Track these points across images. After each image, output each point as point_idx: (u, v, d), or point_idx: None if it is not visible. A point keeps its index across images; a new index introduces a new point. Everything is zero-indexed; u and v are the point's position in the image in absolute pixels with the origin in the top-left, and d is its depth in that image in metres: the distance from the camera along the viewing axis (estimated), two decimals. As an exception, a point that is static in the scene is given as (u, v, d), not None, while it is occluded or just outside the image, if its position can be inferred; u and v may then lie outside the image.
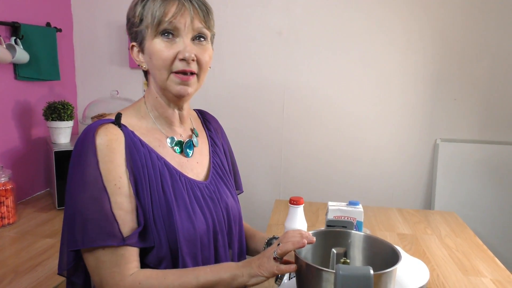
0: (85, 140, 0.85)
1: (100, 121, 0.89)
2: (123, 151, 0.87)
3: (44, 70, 1.95)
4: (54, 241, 1.50)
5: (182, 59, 0.88)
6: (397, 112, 2.12)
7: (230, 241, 1.02)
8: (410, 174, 2.16)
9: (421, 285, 0.99)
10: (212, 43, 0.97)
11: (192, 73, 0.90)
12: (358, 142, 2.17)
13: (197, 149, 1.03)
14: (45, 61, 1.95)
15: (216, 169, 1.05)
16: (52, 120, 1.84)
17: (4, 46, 1.72)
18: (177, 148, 0.98)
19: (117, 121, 0.90)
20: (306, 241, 0.80)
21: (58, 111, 1.84)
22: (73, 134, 1.99)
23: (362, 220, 1.19)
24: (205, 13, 0.91)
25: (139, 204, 0.87)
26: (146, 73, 0.97)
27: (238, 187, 1.18)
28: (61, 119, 1.85)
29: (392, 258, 0.82)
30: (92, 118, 2.00)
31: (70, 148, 1.82)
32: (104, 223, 0.82)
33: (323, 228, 1.40)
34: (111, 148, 0.85)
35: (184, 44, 0.88)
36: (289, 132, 2.21)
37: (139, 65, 0.95)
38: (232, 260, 1.03)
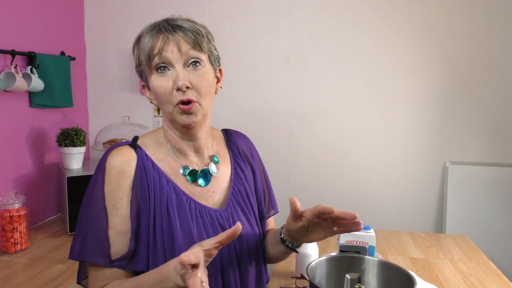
0: (101, 160, 0.91)
1: (117, 144, 0.94)
2: (131, 172, 0.90)
3: (58, 98, 2.00)
4: (67, 267, 1.51)
5: (178, 89, 0.89)
6: (405, 135, 2.13)
7: (245, 271, 1.00)
8: (420, 197, 2.15)
9: (436, 311, 0.98)
10: (214, 63, 0.97)
11: (191, 101, 0.89)
12: (367, 165, 2.17)
13: (215, 177, 1.02)
14: (59, 89, 2.00)
15: (236, 196, 1.03)
16: (65, 146, 1.87)
17: (21, 75, 1.77)
18: (189, 178, 0.97)
19: (133, 143, 0.94)
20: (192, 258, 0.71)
21: (71, 137, 1.88)
22: (85, 159, 2.02)
23: (374, 245, 1.19)
24: (195, 36, 0.91)
25: (134, 227, 0.89)
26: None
27: (273, 207, 1.19)
28: (74, 145, 1.88)
29: (407, 284, 0.82)
30: (103, 143, 2.03)
31: (83, 173, 1.85)
32: (98, 241, 0.87)
33: (335, 253, 1.40)
34: (119, 169, 0.89)
35: (177, 73, 0.89)
36: (297, 156, 2.22)
37: (151, 102, 0.98)
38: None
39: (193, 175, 0.98)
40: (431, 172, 2.13)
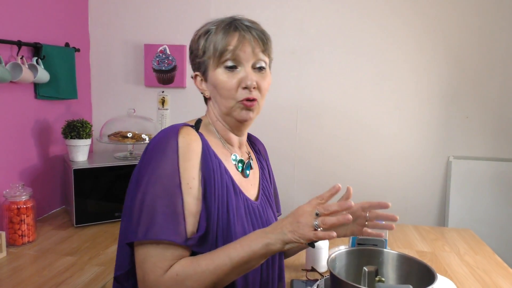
0: (167, 138, 0.88)
1: (179, 124, 0.93)
2: (199, 154, 0.90)
3: (63, 89, 1.98)
4: (75, 259, 1.51)
5: (245, 87, 0.92)
6: (410, 129, 2.15)
7: (273, 261, 1.03)
8: (424, 191, 2.17)
9: (451, 303, 1.00)
10: (270, 67, 1.01)
11: (254, 99, 0.94)
12: (372, 159, 2.19)
13: (252, 172, 1.06)
14: (64, 81, 1.99)
15: (265, 192, 1.08)
16: (71, 138, 1.86)
17: (27, 66, 1.75)
18: (239, 166, 1.01)
19: (196, 125, 0.96)
20: (350, 217, 0.78)
21: (77, 129, 1.87)
22: (90, 152, 2.01)
23: (387, 238, 1.20)
24: (264, 41, 0.95)
25: (204, 209, 0.88)
26: (206, 98, 1.02)
27: (278, 209, 1.21)
28: (79, 137, 1.87)
29: (427, 278, 0.83)
30: (109, 136, 2.02)
31: (88, 166, 1.84)
32: (172, 218, 0.83)
33: (345, 246, 1.41)
34: (191, 148, 0.89)
35: (246, 73, 0.92)
36: (302, 149, 2.23)
37: (202, 93, 1.00)
38: (272, 281, 1.03)
39: (242, 164, 1.02)
40: (435, 166, 2.15)
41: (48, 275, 1.39)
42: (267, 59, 0.97)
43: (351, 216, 0.78)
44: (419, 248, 1.61)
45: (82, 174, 1.81)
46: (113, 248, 1.60)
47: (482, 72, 2.06)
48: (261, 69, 0.95)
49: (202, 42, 0.95)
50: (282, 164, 2.24)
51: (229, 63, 0.92)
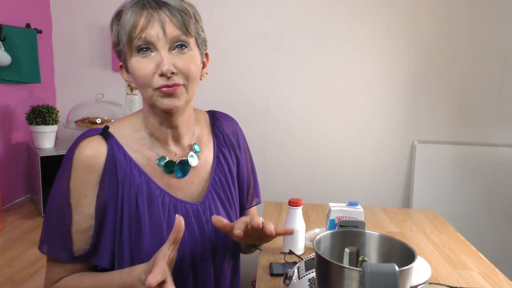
0: (69, 151, 0.87)
1: (88, 132, 0.88)
2: (100, 167, 0.85)
3: (25, 73, 1.89)
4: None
5: (161, 74, 0.82)
6: (375, 115, 2.21)
7: (220, 264, 0.99)
8: (389, 174, 2.25)
9: (425, 280, 1.06)
10: (201, 47, 0.91)
11: (176, 85, 0.83)
12: (339, 145, 2.24)
13: (194, 168, 0.96)
14: (26, 64, 1.89)
15: (215, 187, 0.99)
16: (37, 124, 1.79)
17: (-13, 48, 1.65)
18: (165, 169, 0.92)
19: (104, 133, 0.88)
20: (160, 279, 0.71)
21: (42, 115, 1.79)
22: (56, 138, 1.93)
23: (363, 220, 1.25)
24: (182, 17, 0.83)
25: (97, 226, 0.86)
26: None
27: (256, 195, 1.16)
28: (45, 123, 1.80)
29: (406, 255, 0.88)
30: (76, 122, 1.96)
31: (55, 153, 1.78)
32: (61, 237, 0.85)
33: (323, 228, 1.45)
34: (86, 164, 0.84)
35: (160, 57, 0.82)
36: (273, 136, 2.25)
37: (129, 85, 0.94)
38: (224, 283, 1.02)
39: (170, 166, 0.92)
40: (400, 151, 2.24)
41: (19, 266, 1.34)
42: (189, 39, 0.85)
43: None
44: (388, 229, 1.68)
45: (49, 162, 1.75)
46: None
47: (446, 57, 2.15)
48: (182, 49, 0.84)
49: (114, 27, 0.86)
50: (254, 148, 2.24)
51: (141, 48, 0.82)
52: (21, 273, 1.30)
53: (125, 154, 0.88)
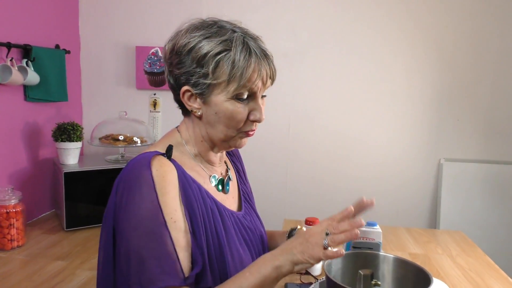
0: (138, 173, 0.79)
1: (150, 153, 0.84)
2: (177, 184, 0.82)
3: (53, 92, 1.96)
4: (66, 264, 1.49)
5: (253, 121, 0.87)
6: (402, 131, 2.16)
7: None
8: (415, 193, 2.18)
9: (445, 306, 1.00)
10: None
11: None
12: (364, 162, 2.20)
13: (231, 182, 1.01)
14: (54, 83, 1.96)
15: (246, 197, 1.04)
16: (62, 141, 1.84)
17: (16, 68, 1.72)
18: (219, 187, 0.95)
19: (168, 153, 0.86)
20: (358, 233, 0.78)
21: (67, 132, 1.84)
22: (80, 155, 1.98)
23: (381, 240, 1.20)
24: (274, 71, 0.88)
25: (194, 242, 0.82)
26: (185, 110, 0.91)
27: None
28: (70, 140, 1.85)
29: (423, 281, 0.84)
30: (100, 139, 2.00)
31: (79, 169, 1.82)
32: (164, 261, 0.76)
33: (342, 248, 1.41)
34: (166, 179, 0.80)
35: (258, 106, 0.87)
36: (294, 153, 2.23)
37: (191, 110, 0.88)
38: None
39: (222, 184, 0.96)
40: (426, 169, 2.17)
41: (38, 280, 1.37)
42: None
43: (359, 232, 0.78)
44: (412, 250, 1.61)
45: (72, 178, 1.79)
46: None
47: (473, 74, 2.08)
48: (264, 96, 0.90)
49: (211, 61, 0.81)
50: (275, 168, 2.24)
51: (245, 96, 0.84)
52: (39, 287, 1.32)
53: (189, 175, 0.87)
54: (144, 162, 0.81)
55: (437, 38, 2.08)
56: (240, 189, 1.04)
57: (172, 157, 0.86)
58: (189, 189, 0.84)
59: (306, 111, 2.20)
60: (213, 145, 0.92)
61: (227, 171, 1.01)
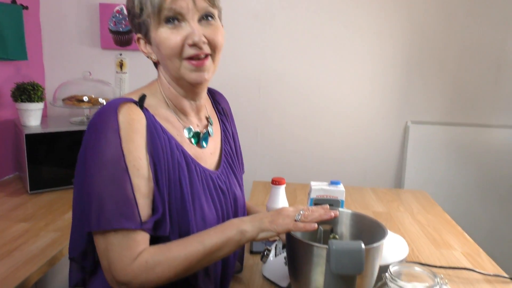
0: (106, 117, 0.81)
1: (120, 99, 0.85)
2: (144, 133, 0.83)
3: (10, 49, 1.86)
4: (29, 225, 1.46)
5: (192, 45, 0.83)
6: (369, 95, 2.18)
7: None
8: (382, 155, 2.23)
9: (401, 258, 1.04)
10: (220, 20, 0.92)
11: (206, 56, 0.86)
12: (333, 125, 2.21)
13: (211, 139, 0.99)
14: (11, 40, 1.86)
15: (227, 157, 1.03)
16: (22, 101, 1.77)
17: (-32, 23, 1.62)
18: (194, 139, 0.94)
19: (140, 102, 0.86)
20: (333, 214, 0.83)
21: (27, 92, 1.77)
22: (43, 116, 1.92)
23: (344, 199, 1.23)
24: None
25: (157, 190, 0.83)
26: (155, 64, 0.93)
27: (242, 168, 1.17)
28: (31, 100, 1.77)
29: (378, 233, 0.86)
30: (63, 100, 1.94)
31: (41, 130, 1.76)
32: (122, 204, 0.78)
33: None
34: (133, 127, 0.81)
35: (191, 28, 0.83)
36: (264, 116, 2.22)
37: (148, 57, 0.91)
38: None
39: (197, 137, 0.95)
40: (393, 132, 2.21)
41: (0, 242, 1.34)
42: (215, 11, 0.87)
43: (335, 213, 0.83)
44: (375, 209, 1.66)
45: (35, 139, 1.73)
46: (71, 215, 1.56)
47: (442, 38, 2.10)
48: (209, 20, 0.86)
49: (137, 0, 0.84)
50: (245, 130, 2.23)
51: (170, 19, 0.83)
52: (1, 249, 1.29)
53: (159, 124, 0.87)
54: (113, 107, 0.82)
55: (408, 2, 2.07)
56: (223, 149, 1.03)
57: (148, 106, 0.87)
58: (156, 139, 0.84)
59: (276, 73, 2.18)
60: (179, 89, 0.91)
61: (207, 125, 0.99)
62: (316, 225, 0.81)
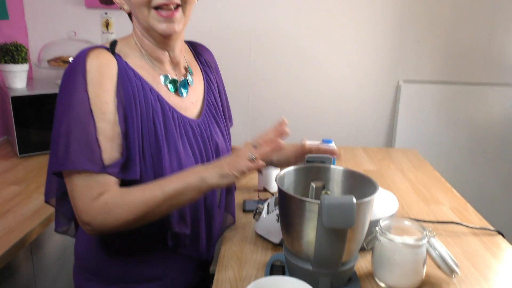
0: (76, 62, 0.83)
1: (92, 46, 0.86)
2: (114, 77, 0.84)
3: (-10, 8, 1.79)
4: (21, 188, 1.46)
5: None
6: (361, 54, 2.14)
7: None
8: (373, 115, 2.23)
9: (391, 213, 1.06)
10: None
11: (177, 7, 0.86)
12: (324, 84, 2.19)
13: (192, 88, 1.00)
14: (-9, -2, 1.78)
15: (210, 107, 1.03)
16: (5, 62, 1.71)
17: None
18: (171, 87, 0.95)
19: (111, 47, 0.87)
20: (282, 142, 0.84)
21: (11, 53, 1.71)
22: (28, 78, 1.87)
23: (335, 158, 1.23)
24: None
25: (123, 135, 0.84)
26: (129, 15, 0.93)
27: (230, 119, 1.18)
28: (15, 61, 1.72)
29: (369, 189, 0.87)
30: (48, 61, 1.88)
31: (28, 93, 1.73)
32: (86, 147, 0.81)
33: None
34: (101, 72, 0.82)
35: None
36: (255, 75, 2.19)
37: (120, 8, 0.90)
38: (220, 202, 1.05)
39: (174, 85, 0.95)
40: (385, 91, 2.19)
41: (-8, 205, 1.34)
42: None
43: (282, 143, 0.83)
44: (366, 167, 1.68)
45: (21, 102, 1.70)
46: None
47: (435, -6, 2.05)
48: None
49: None
50: (236, 89, 2.20)
51: None
52: (-7, 212, 1.30)
53: (133, 70, 0.88)
54: (83, 53, 0.83)
55: (402, -47, 2.01)
56: (205, 99, 1.03)
57: (120, 53, 0.88)
58: (127, 83, 0.85)
59: (267, 34, 2.12)
60: (151, 40, 0.91)
61: (185, 75, 1.00)
62: (263, 163, 0.82)
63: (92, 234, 0.86)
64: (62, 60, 1.86)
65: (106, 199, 0.82)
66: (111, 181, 0.84)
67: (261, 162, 0.82)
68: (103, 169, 0.82)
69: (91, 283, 0.97)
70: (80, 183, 0.82)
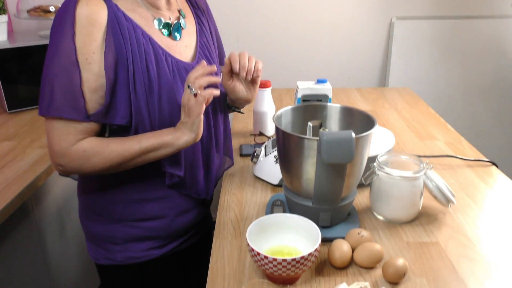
0: (64, 9, 0.81)
1: None
2: (103, 24, 0.82)
3: (-41, -44, 1.67)
4: (14, 144, 1.44)
5: None
6: (354, -10, 2.07)
7: (215, 121, 1.03)
8: (366, 54, 2.19)
9: (388, 149, 1.07)
10: None
11: None
12: (316, 23, 2.13)
13: (185, 31, 0.99)
14: None
15: (203, 50, 1.03)
16: (-18, 15, 1.64)
17: None
18: (165, 31, 0.94)
19: None
20: (213, 68, 0.85)
21: (-13, 4, 1.63)
22: (9, 31, 1.79)
23: (331, 96, 1.22)
24: None
25: (111, 82, 0.84)
26: None
27: (221, 62, 1.18)
28: (-8, 13, 1.64)
29: (367, 124, 0.87)
30: (28, 11, 1.80)
31: (9, 46, 1.66)
32: (69, 95, 0.82)
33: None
34: (90, 20, 0.81)
35: None
36: (246, 18, 2.12)
37: None
38: (217, 140, 1.06)
39: (168, 28, 0.94)
40: (377, 29, 2.14)
41: (-14, 161, 1.33)
42: None
43: (213, 68, 0.84)
44: (360, 108, 1.66)
45: (4, 56, 1.63)
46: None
47: None
48: None
49: None
50: (227, 34, 2.13)
51: None
52: (-12, 168, 1.29)
53: (124, 13, 0.86)
54: (73, 1, 0.81)
55: None
56: (198, 41, 1.02)
57: None
58: (118, 28, 0.84)
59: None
60: None
61: (179, 18, 0.98)
62: (217, 92, 0.85)
63: (63, 174, 0.92)
64: (42, 10, 1.78)
65: (85, 146, 0.85)
66: (91, 129, 0.86)
67: (208, 90, 0.84)
68: (85, 118, 0.84)
69: (95, 223, 1.01)
70: (59, 127, 0.84)
